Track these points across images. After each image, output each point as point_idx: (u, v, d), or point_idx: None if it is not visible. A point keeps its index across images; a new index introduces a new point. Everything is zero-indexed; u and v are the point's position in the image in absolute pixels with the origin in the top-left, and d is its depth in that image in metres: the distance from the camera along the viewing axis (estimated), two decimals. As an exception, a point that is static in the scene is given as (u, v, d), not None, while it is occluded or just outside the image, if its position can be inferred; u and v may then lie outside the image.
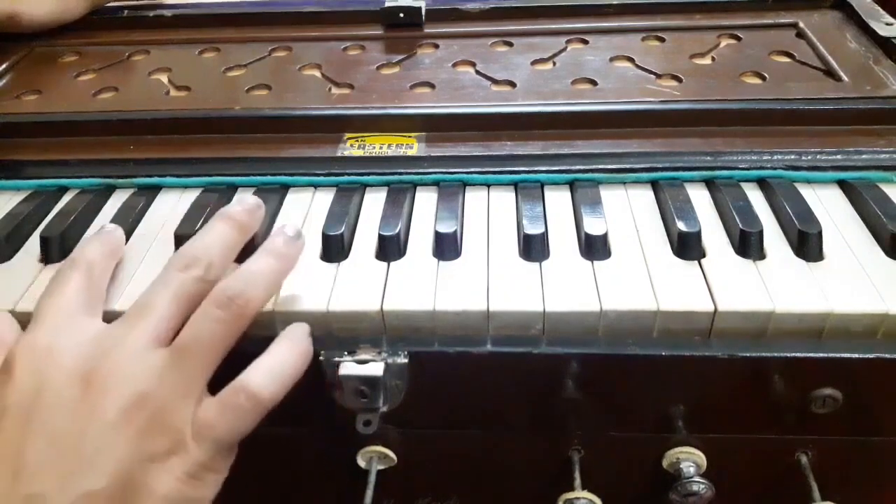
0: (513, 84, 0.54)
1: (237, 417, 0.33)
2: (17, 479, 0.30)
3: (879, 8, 0.60)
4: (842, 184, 0.45)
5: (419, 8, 0.63)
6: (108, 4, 0.69)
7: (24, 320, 0.39)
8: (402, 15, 0.63)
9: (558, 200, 0.45)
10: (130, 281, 0.40)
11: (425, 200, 0.45)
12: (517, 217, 0.43)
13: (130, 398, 0.32)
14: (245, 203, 0.40)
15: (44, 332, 0.34)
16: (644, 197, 0.45)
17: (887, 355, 0.36)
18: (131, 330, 0.34)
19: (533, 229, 0.41)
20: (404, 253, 0.41)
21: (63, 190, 0.48)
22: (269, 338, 0.36)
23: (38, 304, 0.36)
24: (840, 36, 0.58)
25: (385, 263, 0.40)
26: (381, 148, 0.49)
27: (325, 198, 0.46)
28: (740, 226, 0.40)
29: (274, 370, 0.34)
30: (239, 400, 0.33)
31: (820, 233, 0.40)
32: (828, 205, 0.43)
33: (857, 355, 0.36)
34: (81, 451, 0.31)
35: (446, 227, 0.42)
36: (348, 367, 0.36)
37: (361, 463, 0.41)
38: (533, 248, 0.40)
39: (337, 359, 0.36)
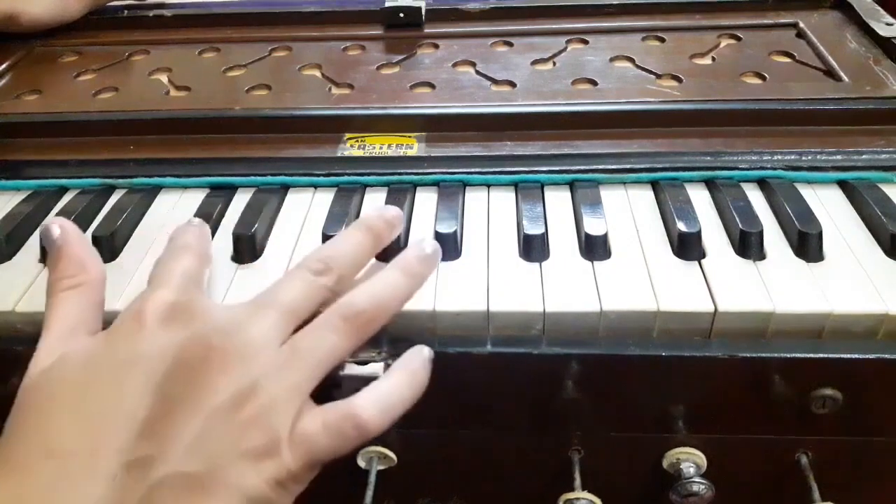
0: (513, 84, 0.54)
1: (339, 442, 0.32)
2: (130, 434, 0.29)
3: (879, 8, 0.60)
4: (842, 184, 0.45)
5: (419, 8, 0.63)
6: (109, 4, 0.69)
7: (23, 321, 0.39)
8: (402, 15, 0.63)
9: (558, 201, 0.45)
10: (130, 281, 0.40)
11: (425, 201, 0.45)
12: (517, 217, 0.43)
13: (244, 386, 0.31)
14: (387, 214, 0.39)
15: (172, 291, 0.33)
16: (644, 197, 0.45)
17: (887, 356, 0.36)
18: (258, 317, 0.33)
19: (533, 229, 0.41)
20: (404, 253, 0.41)
21: (63, 190, 0.48)
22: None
23: (155, 268, 0.35)
24: (840, 36, 0.58)
25: (385, 264, 0.40)
26: (381, 148, 0.49)
27: (325, 198, 0.46)
28: (740, 226, 0.40)
29: (387, 403, 0.33)
30: (345, 426, 0.32)
31: (820, 233, 0.40)
32: (828, 205, 0.43)
33: (857, 356, 0.36)
34: (188, 425, 0.30)
35: (446, 228, 0.42)
36: (348, 367, 0.36)
37: (361, 463, 0.41)
38: (533, 248, 0.40)
39: (337, 359, 0.36)
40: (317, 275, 0.35)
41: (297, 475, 0.32)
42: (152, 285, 0.34)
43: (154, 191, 0.48)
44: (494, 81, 0.55)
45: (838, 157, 0.45)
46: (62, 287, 0.35)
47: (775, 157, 0.46)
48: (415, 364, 0.35)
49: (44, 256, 0.43)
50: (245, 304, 0.35)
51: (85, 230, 0.44)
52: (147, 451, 0.29)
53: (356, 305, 0.34)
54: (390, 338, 0.37)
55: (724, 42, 0.59)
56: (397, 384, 0.34)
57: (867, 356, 0.36)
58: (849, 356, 0.36)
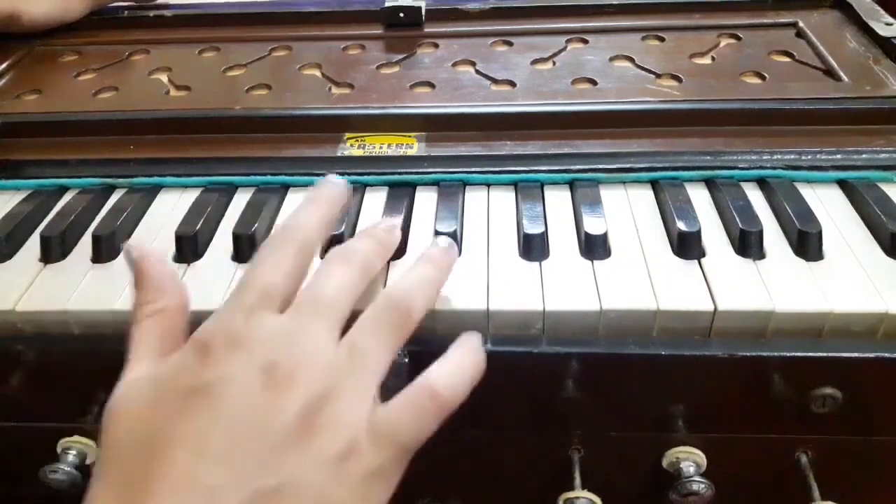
0: (513, 84, 0.54)
1: (419, 419, 0.32)
2: (198, 465, 0.29)
3: (879, 8, 0.60)
4: (842, 183, 0.45)
5: (419, 8, 0.63)
6: (109, 5, 0.69)
7: (23, 320, 0.40)
8: (402, 15, 0.63)
9: (558, 200, 0.45)
10: (130, 282, 0.40)
11: (425, 200, 0.45)
12: (517, 217, 0.43)
13: (311, 398, 0.31)
14: (382, 223, 0.40)
15: (241, 320, 0.32)
16: (644, 197, 0.45)
17: (887, 355, 0.36)
18: (312, 323, 0.33)
19: (533, 229, 0.41)
20: (404, 253, 0.41)
21: (63, 190, 0.48)
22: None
23: (245, 276, 0.34)
24: (840, 36, 0.58)
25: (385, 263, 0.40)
26: (381, 148, 0.49)
27: (325, 197, 0.46)
28: (740, 225, 0.40)
29: (457, 373, 0.33)
30: (422, 399, 0.32)
31: (820, 232, 0.40)
32: (828, 204, 0.43)
33: (857, 355, 0.36)
34: (261, 445, 0.30)
35: (446, 227, 0.42)
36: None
37: (361, 462, 0.41)
38: (533, 247, 0.41)
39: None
40: (350, 266, 0.35)
41: (383, 471, 0.31)
42: (227, 306, 0.33)
43: (154, 190, 0.48)
44: (494, 81, 0.55)
45: (838, 156, 0.45)
46: (143, 314, 0.34)
47: (775, 157, 0.46)
48: (473, 342, 0.34)
49: (44, 256, 0.43)
50: (293, 312, 0.33)
51: (85, 230, 0.44)
52: (217, 478, 0.29)
53: (396, 293, 0.34)
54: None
55: (724, 42, 0.59)
56: (461, 357, 0.34)
57: (867, 355, 0.36)
58: (849, 355, 0.36)
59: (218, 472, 0.29)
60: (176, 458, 0.29)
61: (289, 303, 0.34)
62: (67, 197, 0.48)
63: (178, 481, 0.29)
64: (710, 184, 0.45)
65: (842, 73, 0.52)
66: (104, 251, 0.42)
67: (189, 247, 0.42)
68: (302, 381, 0.31)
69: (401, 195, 0.45)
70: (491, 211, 0.44)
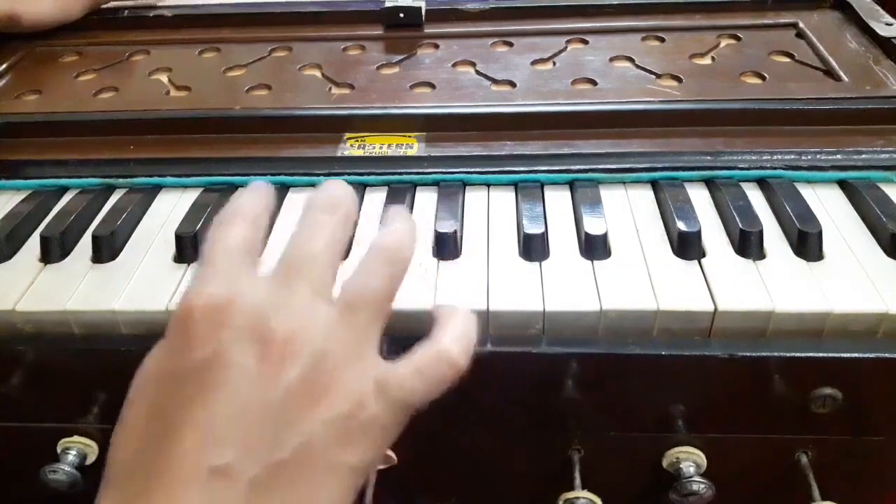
0: (513, 84, 0.54)
1: (433, 383, 0.31)
2: (203, 450, 0.28)
3: (879, 8, 0.60)
4: (842, 184, 0.45)
5: (419, 8, 0.63)
6: (108, 5, 0.69)
7: (23, 320, 0.40)
8: (402, 15, 0.63)
9: (558, 200, 0.45)
10: (130, 281, 0.40)
11: (425, 200, 0.45)
12: (517, 217, 0.43)
13: (310, 363, 0.30)
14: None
15: (217, 286, 0.31)
16: (644, 197, 0.45)
17: (887, 355, 0.36)
18: (297, 283, 0.32)
19: (533, 229, 0.41)
20: (404, 253, 0.41)
21: (63, 190, 0.48)
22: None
23: (205, 251, 0.33)
24: (840, 36, 0.58)
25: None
26: (381, 148, 0.49)
27: (325, 198, 0.46)
28: (740, 225, 0.40)
29: (465, 339, 0.32)
30: (441, 367, 0.31)
31: (820, 233, 0.40)
32: (828, 205, 0.43)
33: (857, 355, 0.36)
34: (264, 419, 0.29)
35: (446, 227, 0.42)
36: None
37: (361, 463, 0.41)
38: (533, 247, 0.41)
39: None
40: (330, 213, 0.34)
41: (392, 423, 0.31)
42: (197, 280, 0.32)
43: (154, 191, 0.48)
44: (494, 81, 0.55)
45: (838, 156, 0.45)
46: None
47: (775, 157, 0.46)
48: (464, 309, 0.34)
49: (44, 256, 0.43)
50: (278, 270, 0.33)
51: (85, 230, 0.44)
52: (226, 458, 0.28)
53: (386, 243, 0.34)
54: (391, 338, 0.37)
55: (724, 42, 0.59)
56: (464, 321, 0.33)
57: (867, 355, 0.36)
58: (849, 355, 0.36)
59: (226, 452, 0.28)
60: (183, 444, 0.29)
61: (258, 257, 0.33)
62: (67, 197, 0.48)
63: (187, 467, 0.28)
64: (710, 184, 0.45)
65: (842, 74, 0.52)
66: (104, 251, 0.42)
67: (189, 247, 0.42)
68: (298, 346, 0.30)
69: (401, 195, 0.45)
70: (491, 211, 0.44)
